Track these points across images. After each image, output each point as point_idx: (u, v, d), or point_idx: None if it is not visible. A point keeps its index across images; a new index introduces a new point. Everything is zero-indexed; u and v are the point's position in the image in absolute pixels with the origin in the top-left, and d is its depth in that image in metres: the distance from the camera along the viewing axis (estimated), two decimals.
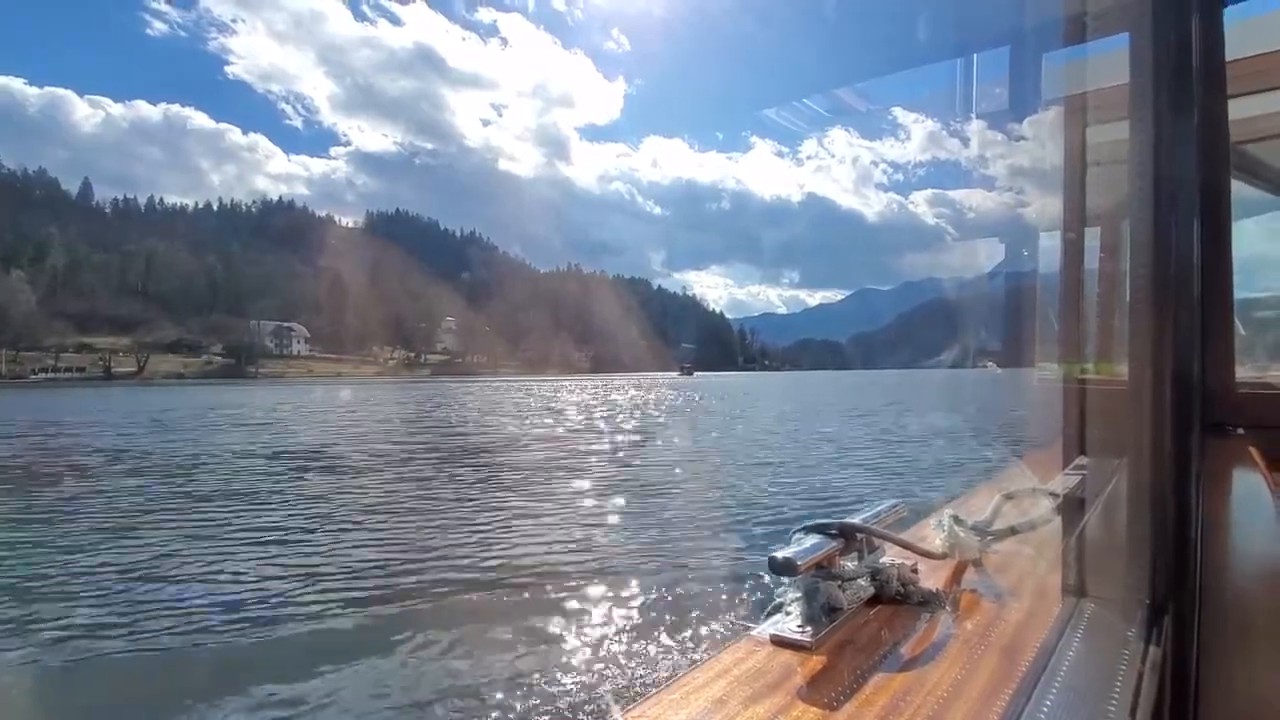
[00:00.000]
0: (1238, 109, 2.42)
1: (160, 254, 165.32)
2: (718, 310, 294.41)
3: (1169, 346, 0.80)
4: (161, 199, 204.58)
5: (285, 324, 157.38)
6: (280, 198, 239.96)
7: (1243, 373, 2.52)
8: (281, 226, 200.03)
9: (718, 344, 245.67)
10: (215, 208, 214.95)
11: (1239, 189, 3.25)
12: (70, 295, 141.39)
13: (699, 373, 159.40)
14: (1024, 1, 1.43)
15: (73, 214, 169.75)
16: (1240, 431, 2.13)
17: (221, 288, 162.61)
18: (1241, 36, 2.23)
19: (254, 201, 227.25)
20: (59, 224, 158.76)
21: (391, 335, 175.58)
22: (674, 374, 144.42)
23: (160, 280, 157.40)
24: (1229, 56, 1.97)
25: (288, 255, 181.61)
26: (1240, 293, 2.28)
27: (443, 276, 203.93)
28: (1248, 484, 1.53)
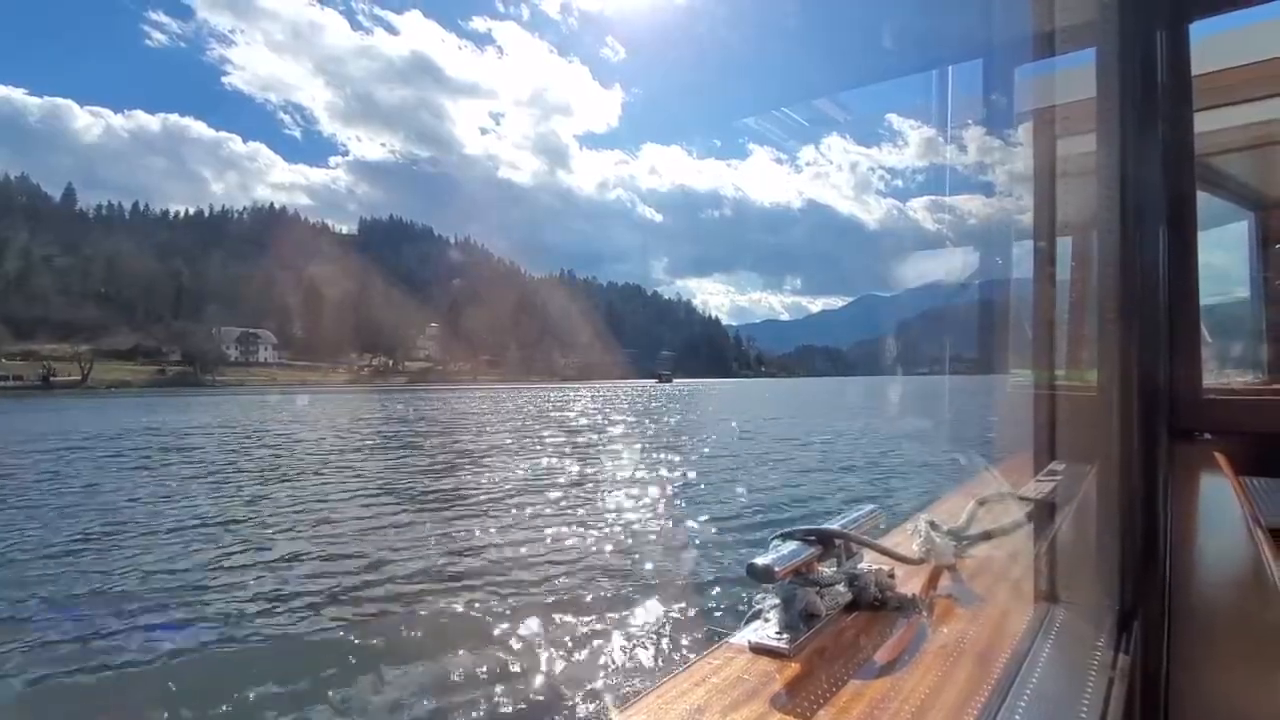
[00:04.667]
0: (1204, 122, 2.49)
1: (124, 258, 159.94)
2: (715, 316, 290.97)
3: (1136, 354, 0.81)
4: (148, 204, 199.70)
5: (251, 330, 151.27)
6: (272, 204, 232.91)
7: (1209, 379, 2.58)
8: (269, 233, 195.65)
9: (711, 350, 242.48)
10: (207, 214, 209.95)
11: (1205, 200, 3.34)
12: (20, 300, 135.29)
13: (680, 380, 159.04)
14: (995, 15, 1.46)
15: (52, 220, 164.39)
16: (1207, 437, 2.18)
17: (188, 292, 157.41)
18: (1211, 52, 2.29)
19: (244, 208, 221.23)
20: (32, 229, 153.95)
21: (369, 342, 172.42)
22: (653, 382, 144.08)
23: (123, 285, 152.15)
24: (1196, 71, 2.02)
25: (267, 261, 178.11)
26: (1207, 300, 2.33)
27: (434, 283, 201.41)
28: (1215, 488, 1.57)
